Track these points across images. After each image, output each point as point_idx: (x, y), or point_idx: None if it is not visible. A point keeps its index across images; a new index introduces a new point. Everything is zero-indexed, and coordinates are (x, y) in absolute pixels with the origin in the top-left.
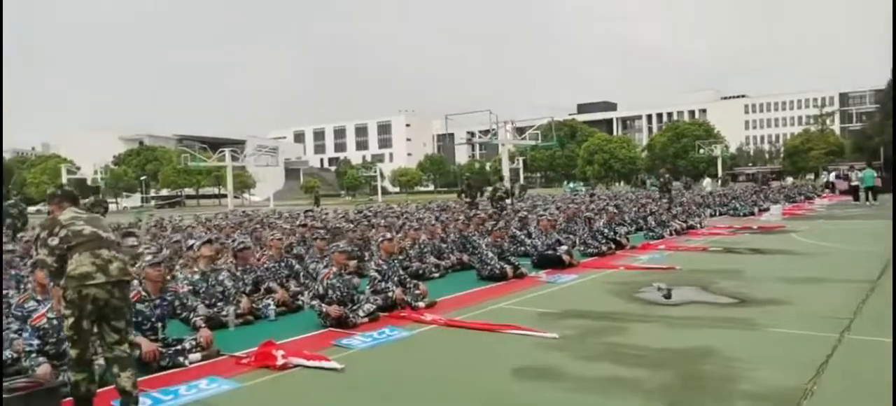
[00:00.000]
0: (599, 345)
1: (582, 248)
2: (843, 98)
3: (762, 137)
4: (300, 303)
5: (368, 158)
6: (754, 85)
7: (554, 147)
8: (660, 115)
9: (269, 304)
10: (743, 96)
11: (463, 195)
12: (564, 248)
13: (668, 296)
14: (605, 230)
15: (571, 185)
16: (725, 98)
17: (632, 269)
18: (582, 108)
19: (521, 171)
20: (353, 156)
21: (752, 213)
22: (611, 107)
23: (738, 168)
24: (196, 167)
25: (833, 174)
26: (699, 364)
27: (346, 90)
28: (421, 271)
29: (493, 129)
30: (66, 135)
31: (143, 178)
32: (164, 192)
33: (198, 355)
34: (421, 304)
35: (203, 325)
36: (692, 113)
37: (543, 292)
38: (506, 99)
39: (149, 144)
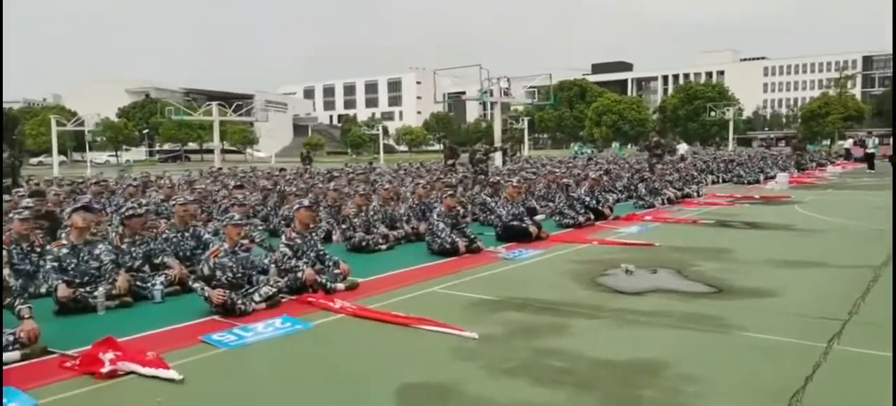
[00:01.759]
0: (524, 351)
1: (557, 218)
2: (867, 61)
3: (781, 101)
4: None
5: (378, 116)
6: (775, 47)
7: (553, 106)
8: (676, 77)
9: (155, 284)
10: (762, 58)
11: (445, 158)
12: (541, 216)
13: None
14: (586, 198)
15: (577, 146)
16: (744, 60)
17: (605, 245)
18: (596, 68)
19: (526, 132)
20: (363, 113)
21: (758, 181)
22: (626, 67)
23: (751, 132)
24: (180, 121)
25: (850, 140)
26: (639, 386)
27: (358, 47)
28: (364, 243)
29: (486, 87)
30: (75, 87)
31: (145, 131)
32: (168, 146)
33: (16, 354)
34: (339, 287)
35: (29, 315)
36: (709, 75)
37: (493, 272)
38: (521, 60)
39: (155, 97)
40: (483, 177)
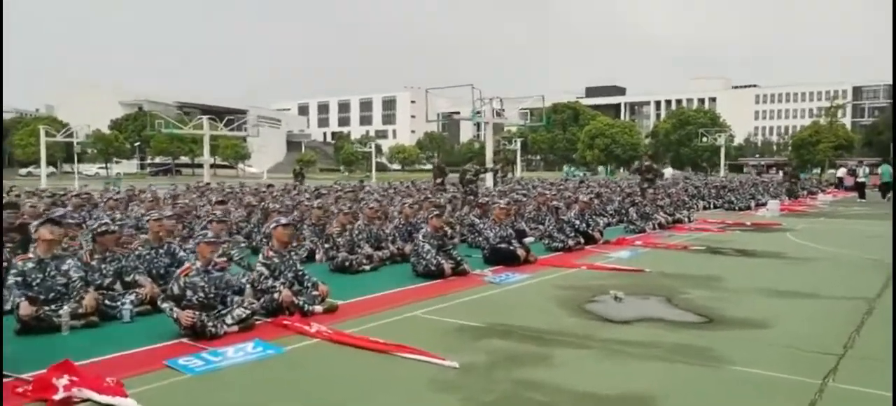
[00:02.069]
0: (505, 383)
1: (546, 242)
2: (857, 92)
3: (772, 129)
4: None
5: (372, 134)
6: (766, 76)
7: (546, 128)
8: (668, 102)
9: (125, 303)
10: (754, 86)
11: (434, 177)
12: (530, 239)
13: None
14: (576, 221)
15: (569, 168)
16: (736, 87)
17: (594, 270)
18: (590, 92)
19: (519, 153)
20: (358, 131)
21: (749, 207)
22: (619, 91)
23: (742, 158)
24: (169, 134)
25: (843, 170)
26: None
27: (353, 65)
28: (347, 263)
29: (478, 107)
30: (68, 98)
31: (137, 144)
32: (159, 159)
33: None
34: (317, 309)
35: None
36: (701, 101)
37: (479, 296)
38: (516, 81)
39: (148, 110)
40: (472, 197)
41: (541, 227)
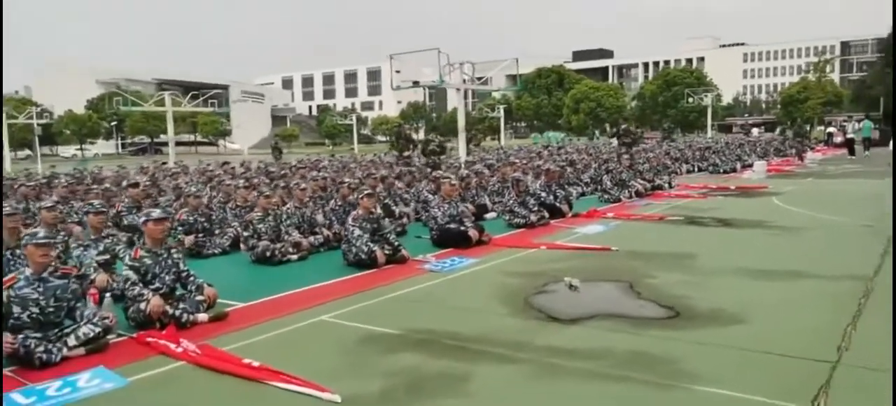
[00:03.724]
0: None
1: (507, 218)
2: (845, 46)
3: (760, 87)
4: None
5: (358, 106)
6: (754, 33)
7: (527, 93)
8: (656, 63)
9: None
10: (742, 44)
11: (392, 148)
12: (492, 215)
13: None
14: (542, 194)
15: (547, 135)
16: (724, 46)
17: (555, 249)
18: (577, 56)
19: (502, 121)
20: (343, 103)
21: (734, 170)
22: (607, 54)
23: (730, 118)
24: (129, 112)
25: (831, 127)
26: None
27: (337, 36)
28: (269, 253)
29: (445, 73)
30: (45, 79)
31: (113, 123)
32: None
33: None
34: (200, 318)
35: None
36: (690, 61)
37: (411, 290)
38: (500, 47)
39: (126, 89)
40: (431, 170)
41: (504, 201)
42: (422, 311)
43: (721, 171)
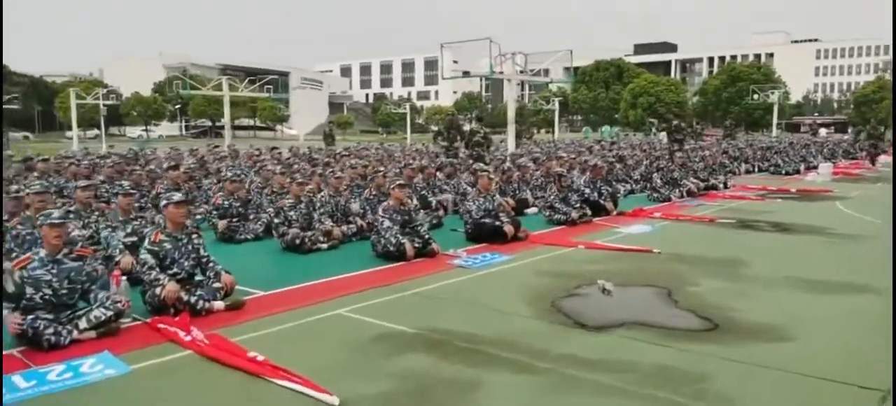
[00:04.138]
0: None
1: (548, 214)
2: None
3: (833, 85)
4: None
5: (414, 95)
6: (829, 29)
7: (584, 86)
8: (722, 58)
9: None
10: (815, 40)
11: (440, 138)
12: (533, 210)
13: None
14: (586, 190)
15: (601, 129)
16: (796, 42)
17: (593, 249)
18: (639, 49)
19: (557, 113)
20: (400, 92)
21: (798, 171)
22: (671, 48)
23: (798, 117)
24: (187, 95)
25: None
26: None
27: (399, 24)
28: (298, 241)
29: (497, 64)
30: (116, 63)
31: (177, 106)
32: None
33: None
34: (216, 305)
35: None
36: (758, 57)
37: (436, 286)
38: (563, 39)
39: (192, 73)
40: (474, 162)
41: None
42: (443, 309)
43: (783, 172)
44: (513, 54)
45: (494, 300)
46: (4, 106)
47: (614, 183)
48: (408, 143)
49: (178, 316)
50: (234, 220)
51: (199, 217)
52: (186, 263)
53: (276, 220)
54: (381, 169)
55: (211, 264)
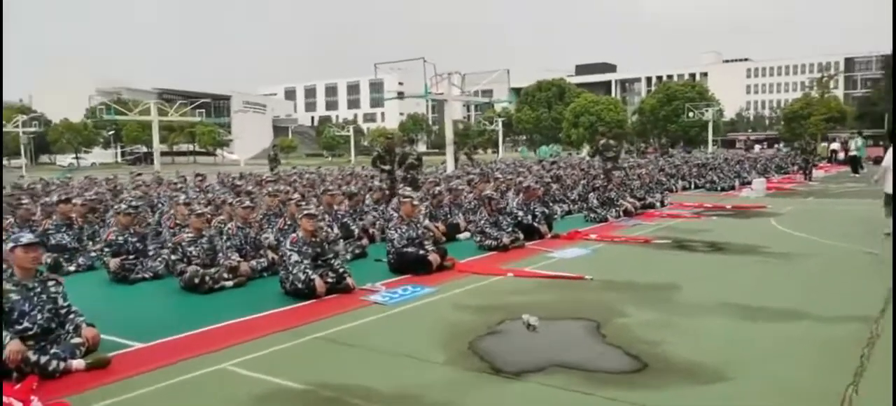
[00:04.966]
0: None
1: (478, 239)
2: (849, 63)
3: (764, 103)
4: None
5: (360, 117)
6: (758, 49)
7: (517, 104)
8: (659, 77)
9: None
10: (746, 59)
11: (379, 161)
12: (465, 235)
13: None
14: (519, 212)
15: (542, 149)
16: (727, 61)
17: (523, 277)
18: (580, 69)
19: (501, 133)
20: (346, 114)
21: (733, 187)
22: (610, 68)
23: (733, 133)
24: (112, 121)
25: (837, 143)
26: None
27: (340, 49)
28: (197, 280)
29: (433, 81)
30: (46, 85)
31: (111, 132)
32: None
33: None
34: (73, 366)
35: None
36: (693, 76)
37: (342, 328)
38: (506, 61)
39: (126, 98)
40: (404, 187)
41: (476, 220)
42: (344, 356)
43: (718, 188)
44: (449, 74)
45: (405, 343)
46: None
47: (551, 204)
48: (351, 165)
49: (21, 382)
50: (131, 257)
51: (93, 255)
52: (39, 317)
53: (173, 257)
54: (295, 196)
55: (72, 316)
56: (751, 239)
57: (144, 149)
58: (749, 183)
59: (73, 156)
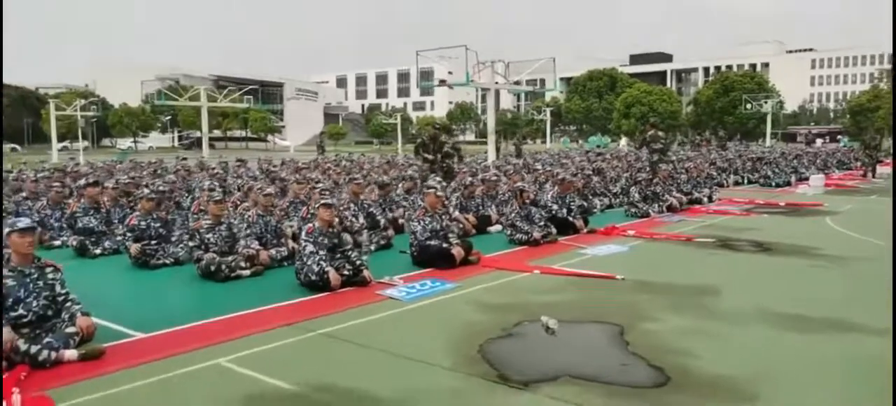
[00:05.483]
0: None
1: (509, 233)
2: None
3: (829, 95)
4: None
5: (409, 106)
6: (824, 38)
7: (567, 94)
8: (718, 68)
9: None
10: (810, 50)
11: (422, 150)
12: (497, 228)
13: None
14: (553, 206)
15: (592, 139)
16: (791, 51)
17: (549, 275)
18: (634, 59)
19: (549, 123)
20: (396, 102)
21: (789, 183)
22: (665, 58)
23: (793, 127)
24: (163, 106)
25: None
26: None
27: (393, 35)
28: (213, 267)
29: (475, 70)
30: (109, 75)
31: (167, 117)
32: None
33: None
34: (66, 356)
35: None
36: (753, 66)
37: (350, 324)
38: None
39: (184, 84)
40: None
41: (507, 213)
42: (345, 356)
43: (773, 184)
44: (492, 62)
45: (412, 344)
46: None
47: (590, 197)
48: (395, 154)
49: (10, 372)
50: (153, 242)
51: (119, 239)
52: (35, 303)
53: (191, 244)
54: (320, 184)
55: (68, 304)
56: (802, 239)
57: (198, 134)
58: (806, 179)
59: (132, 140)
